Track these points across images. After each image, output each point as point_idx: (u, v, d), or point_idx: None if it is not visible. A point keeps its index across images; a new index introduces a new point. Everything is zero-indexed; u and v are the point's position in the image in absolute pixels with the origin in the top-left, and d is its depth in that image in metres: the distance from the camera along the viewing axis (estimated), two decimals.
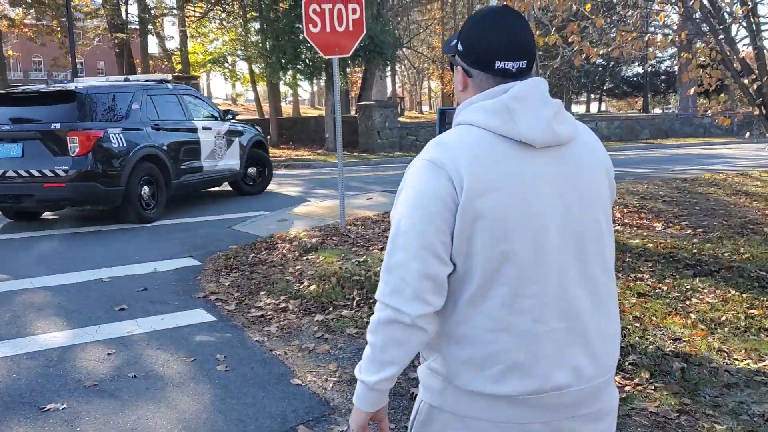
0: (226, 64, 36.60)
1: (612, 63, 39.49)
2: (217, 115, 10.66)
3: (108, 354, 4.42)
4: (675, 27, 10.87)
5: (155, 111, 9.22)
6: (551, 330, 1.46)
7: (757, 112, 8.21)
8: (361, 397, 1.54)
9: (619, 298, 5.07)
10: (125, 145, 8.46)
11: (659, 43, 8.75)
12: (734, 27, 8.80)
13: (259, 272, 6.32)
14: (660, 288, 5.44)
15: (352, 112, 28.60)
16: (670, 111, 41.97)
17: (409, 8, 38.21)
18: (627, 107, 58.21)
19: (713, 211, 8.35)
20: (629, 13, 9.18)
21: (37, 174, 8.02)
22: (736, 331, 4.51)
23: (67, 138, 7.96)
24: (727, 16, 8.58)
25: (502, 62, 1.50)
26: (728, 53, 8.42)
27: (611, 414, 1.61)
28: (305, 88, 32.31)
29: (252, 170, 11.14)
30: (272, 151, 18.43)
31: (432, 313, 1.47)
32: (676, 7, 8.98)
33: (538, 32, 11.08)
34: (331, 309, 5.11)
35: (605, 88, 48.41)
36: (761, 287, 5.45)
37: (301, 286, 5.73)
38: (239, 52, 30.68)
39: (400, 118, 35.20)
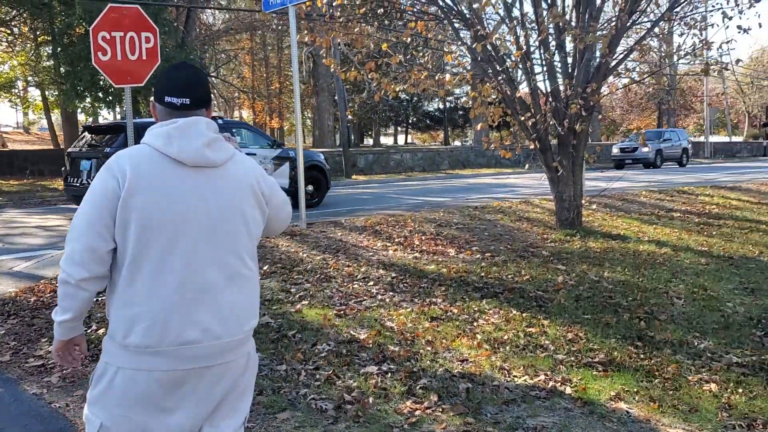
0: (15, 90, 33.62)
1: (415, 98, 41.71)
2: (269, 143, 13.39)
3: None
4: (469, 67, 11.71)
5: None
6: (187, 298, 1.98)
7: (532, 146, 9.07)
8: (55, 329, 2.11)
9: (413, 323, 5.34)
10: None
11: (449, 82, 9.38)
12: (520, 68, 9.68)
13: (41, 317, 5.79)
14: (451, 311, 5.76)
15: None
16: (468, 143, 45.09)
17: (217, 37, 37.69)
18: (430, 140, 61.63)
19: (500, 236, 9.03)
20: (421, 53, 9.77)
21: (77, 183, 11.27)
22: (516, 349, 4.88)
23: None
24: (506, 59, 9.42)
25: (170, 97, 2.10)
26: (508, 93, 9.25)
27: (239, 369, 2.12)
28: (105, 117, 30.34)
29: (309, 187, 12.93)
30: (59, 186, 17.26)
31: (93, 278, 1.98)
32: (462, 48, 9.70)
33: (343, 68, 11.40)
34: None
35: (410, 121, 50.95)
36: (539, 306, 5.96)
37: (89, 330, 5.34)
38: (30, 78, 28.32)
39: None
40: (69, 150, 12.35)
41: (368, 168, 26.11)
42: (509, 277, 6.94)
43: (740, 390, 4.18)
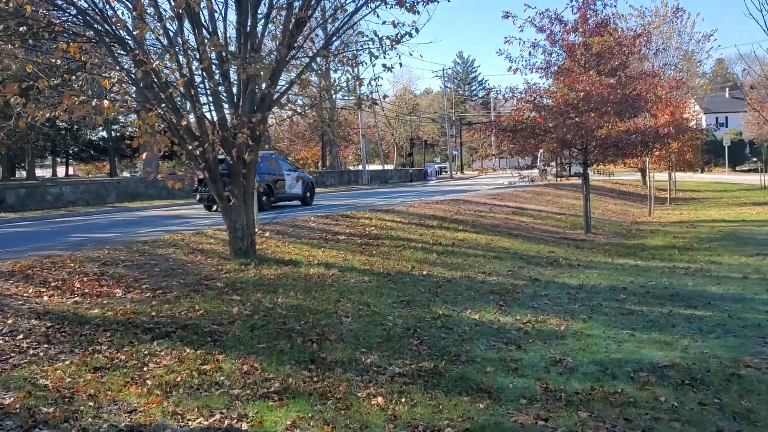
0: None
1: (75, 126, 38.47)
2: (293, 168, 21.90)
3: None
4: (133, 93, 11.07)
5: (283, 167, 20.50)
6: None
7: (201, 176, 8.89)
8: None
9: (73, 377, 4.76)
10: (265, 179, 18.08)
11: (107, 109, 8.74)
12: (184, 96, 9.39)
13: None
14: (118, 358, 5.27)
15: None
16: (138, 174, 43.03)
17: None
18: (95, 171, 57.45)
19: (172, 271, 8.63)
20: (73, 78, 8.96)
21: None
22: (190, 390, 4.63)
23: None
24: (170, 86, 9.10)
25: None
26: (174, 121, 8.94)
27: None
28: None
29: (308, 194, 21.63)
30: None
31: None
32: (120, 74, 9.13)
33: None
34: None
35: (71, 151, 46.87)
36: (214, 341, 5.78)
37: None
38: None
39: None
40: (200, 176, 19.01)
41: (20, 204, 23.19)
42: (183, 313, 6.63)
43: (403, 400, 4.51)
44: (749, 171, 55.51)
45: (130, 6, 8.71)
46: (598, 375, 5.35)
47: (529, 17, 16.94)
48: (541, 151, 18.84)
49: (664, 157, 29.30)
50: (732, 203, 27.02)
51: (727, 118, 68.41)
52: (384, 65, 9.13)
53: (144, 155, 9.99)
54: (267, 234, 11.71)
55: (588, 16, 16.86)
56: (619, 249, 14.12)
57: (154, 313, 6.57)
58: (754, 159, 56.87)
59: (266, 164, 18.32)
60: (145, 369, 5.05)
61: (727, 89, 71.57)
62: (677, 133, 23.93)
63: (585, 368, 5.52)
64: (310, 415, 4.21)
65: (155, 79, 8.78)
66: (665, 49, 35.23)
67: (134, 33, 8.54)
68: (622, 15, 25.67)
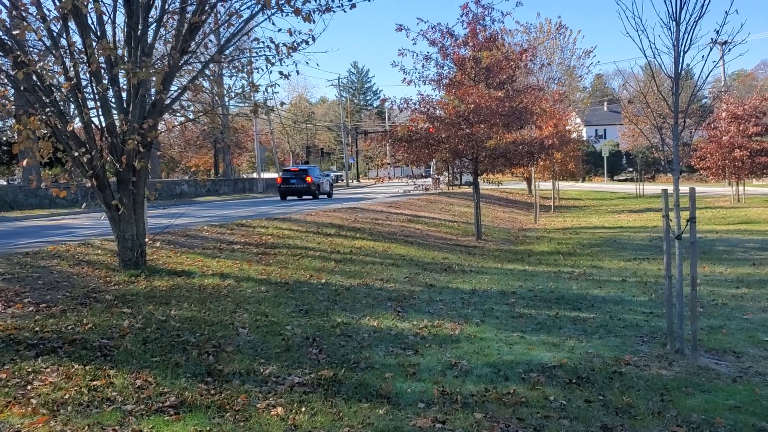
0: None
1: None
2: (326, 173, 43.99)
3: None
4: (11, 97, 10.44)
5: (320, 173, 36.62)
6: None
7: (89, 184, 8.53)
8: None
9: None
10: (317, 180, 33.40)
11: None
12: (70, 100, 8.95)
13: None
14: None
15: None
16: (16, 182, 40.48)
17: None
18: None
19: (57, 284, 8.20)
20: None
21: (299, 185, 32.97)
22: (79, 408, 4.43)
23: (306, 177, 32.87)
24: (54, 90, 8.67)
25: None
26: (59, 126, 8.52)
27: None
28: None
29: (332, 190, 37.53)
30: None
31: None
32: (2, 77, 8.61)
33: None
34: None
35: None
36: (104, 356, 5.55)
37: None
38: None
39: None
40: (282, 175, 33.52)
41: None
42: (69, 327, 6.32)
43: (303, 409, 4.52)
44: (626, 180, 59.18)
45: (8, 4, 8.25)
46: (491, 377, 5.56)
47: (422, 30, 17.38)
48: (434, 160, 19.33)
49: (548, 166, 30.85)
50: (611, 211, 28.73)
51: (605, 130, 72.69)
52: (281, 72, 9.12)
53: (25, 162, 9.43)
54: (158, 244, 11.34)
55: (477, 30, 17.47)
56: (508, 255, 14.69)
57: (38, 328, 6.22)
58: (630, 169, 60.67)
59: (317, 171, 35.01)
60: (29, 387, 4.78)
61: (605, 103, 76.12)
62: (560, 144, 25.31)
63: (479, 371, 5.72)
64: (208, 428, 4.14)
65: (38, 82, 8.34)
66: (549, 64, 37.08)
67: (14, 33, 8.07)
68: (510, 31, 26.80)
